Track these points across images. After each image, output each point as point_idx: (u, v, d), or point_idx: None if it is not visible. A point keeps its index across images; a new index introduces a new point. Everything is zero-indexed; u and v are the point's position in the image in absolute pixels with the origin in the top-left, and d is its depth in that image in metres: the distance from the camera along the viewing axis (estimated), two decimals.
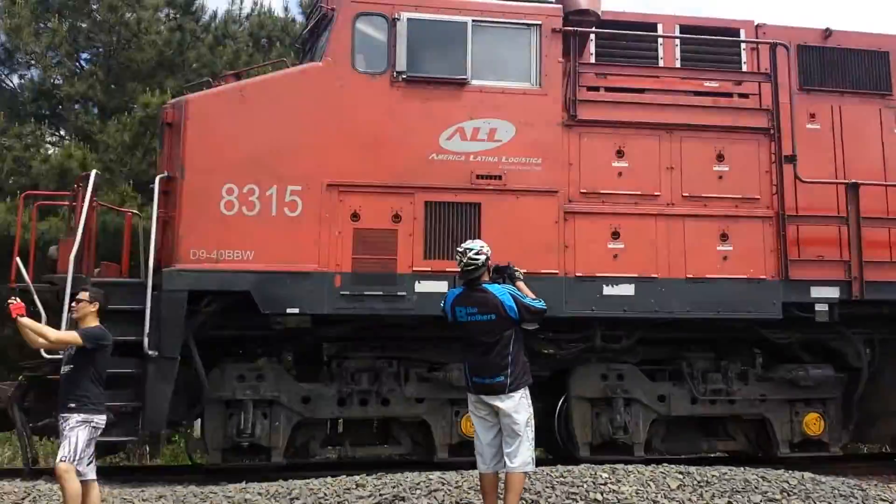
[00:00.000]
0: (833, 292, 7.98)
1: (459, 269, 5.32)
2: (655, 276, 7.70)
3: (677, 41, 8.60)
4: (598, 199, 7.76)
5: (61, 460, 5.12)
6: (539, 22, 7.86)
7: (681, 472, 6.38)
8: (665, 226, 7.81)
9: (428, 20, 7.69)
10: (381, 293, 7.30)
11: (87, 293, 5.58)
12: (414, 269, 7.39)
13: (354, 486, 6.15)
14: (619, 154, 7.86)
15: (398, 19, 7.61)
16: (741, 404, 8.31)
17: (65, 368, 5.43)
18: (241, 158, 7.29)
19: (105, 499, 5.81)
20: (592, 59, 8.43)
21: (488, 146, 7.64)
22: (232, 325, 7.66)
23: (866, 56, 8.97)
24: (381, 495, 5.89)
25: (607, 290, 7.62)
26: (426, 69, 7.64)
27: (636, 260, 7.71)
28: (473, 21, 7.76)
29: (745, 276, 7.82)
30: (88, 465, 5.30)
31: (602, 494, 5.90)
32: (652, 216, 7.81)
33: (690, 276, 7.74)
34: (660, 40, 8.58)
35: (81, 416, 5.24)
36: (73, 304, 5.61)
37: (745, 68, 8.68)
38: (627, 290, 7.65)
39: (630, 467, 6.49)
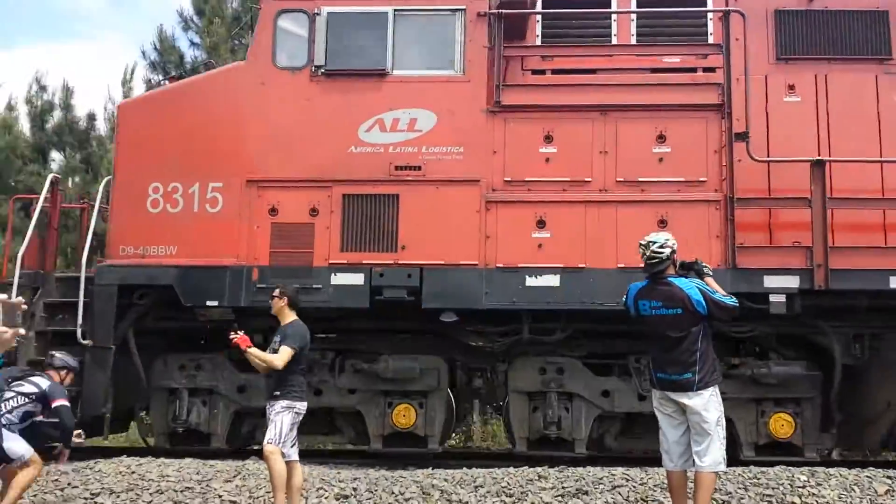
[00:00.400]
0: (791, 281, 7.30)
1: (643, 263, 5.31)
2: (583, 265, 7.38)
3: (633, 16, 8.18)
4: (523, 186, 7.54)
5: (268, 442, 5.59)
6: (463, 6, 7.74)
7: (889, 477, 6.17)
8: (596, 213, 7.47)
9: (348, 12, 7.79)
10: (296, 286, 7.47)
11: (278, 289, 6.05)
12: (330, 261, 7.51)
13: (537, 478, 6.41)
14: (548, 139, 7.59)
15: (318, 14, 7.75)
16: None
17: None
18: (167, 158, 7.71)
19: (306, 478, 6.28)
20: (538, 42, 8.21)
21: (408, 136, 7.63)
22: (179, 318, 8.11)
23: (860, 17, 8.15)
24: (563, 488, 6.14)
25: (530, 282, 7.39)
26: (345, 62, 7.74)
27: (563, 249, 7.42)
28: (395, 10, 7.76)
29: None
30: (292, 447, 5.74)
31: (801, 498, 5.83)
32: (582, 203, 7.49)
33: (622, 265, 7.34)
34: (613, 16, 8.20)
35: (286, 403, 5.68)
36: (270, 300, 6.10)
37: (711, 40, 8.12)
38: (552, 280, 7.39)
39: (832, 470, 6.36)
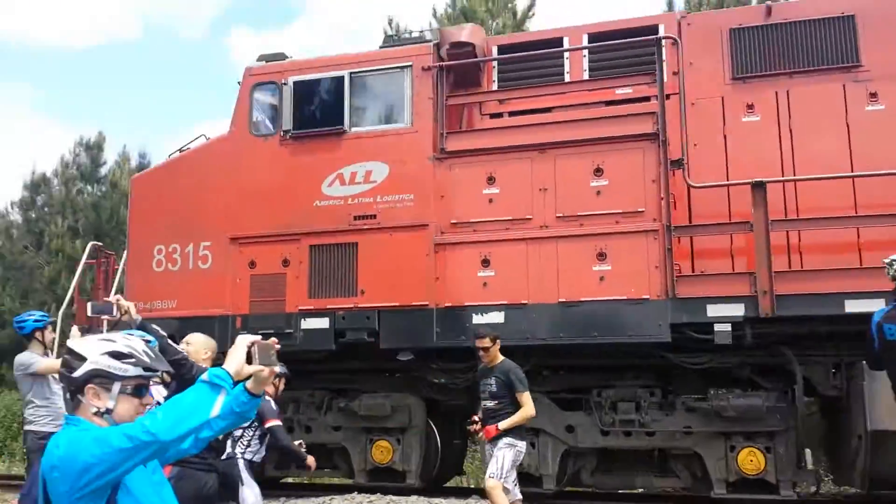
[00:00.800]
0: (736, 310, 7.18)
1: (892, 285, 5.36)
2: (526, 301, 7.68)
3: (585, 52, 8.42)
4: (468, 228, 7.99)
5: (490, 476, 5.97)
6: (409, 63, 8.36)
7: None
8: (537, 249, 7.75)
9: (310, 79, 8.66)
10: (272, 331, 8.35)
11: (488, 338, 6.45)
12: (300, 307, 8.34)
13: None
14: (490, 181, 7.99)
15: (286, 83, 8.69)
16: (664, 437, 7.77)
17: (488, 403, 6.37)
18: (167, 223, 8.93)
19: None
20: (496, 86, 8.66)
21: (364, 188, 8.33)
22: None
23: (824, 24, 7.92)
24: None
25: (476, 319, 7.79)
26: (309, 125, 8.60)
27: (506, 287, 7.77)
28: (351, 73, 8.53)
29: (625, 297, 7.41)
30: (515, 486, 6.17)
31: None
32: (523, 241, 7.80)
33: (563, 299, 7.57)
34: (566, 55, 8.48)
35: (509, 440, 6.09)
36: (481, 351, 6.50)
37: (665, 68, 8.17)
38: (497, 317, 7.74)
39: None
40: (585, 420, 7.98)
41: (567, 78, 8.46)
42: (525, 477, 7.99)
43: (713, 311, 7.24)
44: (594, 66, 8.42)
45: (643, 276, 7.41)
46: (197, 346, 5.13)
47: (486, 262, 7.88)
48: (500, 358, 6.47)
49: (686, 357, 7.57)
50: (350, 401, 8.64)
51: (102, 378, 2.42)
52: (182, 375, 4.40)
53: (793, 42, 7.94)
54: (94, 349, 2.45)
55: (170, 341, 4.54)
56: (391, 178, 8.27)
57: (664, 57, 8.17)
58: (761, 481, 7.45)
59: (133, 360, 2.46)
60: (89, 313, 4.33)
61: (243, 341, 2.51)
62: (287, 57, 8.98)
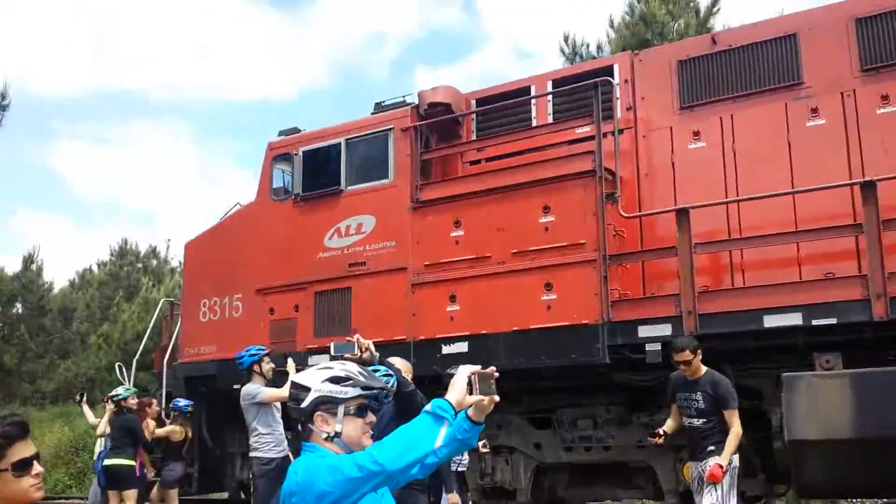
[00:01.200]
0: (664, 330, 7.63)
1: None
2: (485, 332, 8.53)
3: (549, 97, 9.29)
4: (439, 268, 8.98)
5: None
6: (391, 126, 9.61)
7: None
8: (495, 284, 8.60)
9: (315, 148, 10.13)
10: (283, 369, 9.74)
11: (687, 350, 6.29)
12: (308, 346, 9.66)
13: None
14: (457, 224, 8.98)
15: (297, 154, 10.22)
16: (620, 451, 8.24)
17: (695, 421, 6.31)
18: (210, 280, 10.67)
19: None
20: (474, 135, 9.71)
21: (356, 238, 9.60)
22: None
23: (767, 46, 8.35)
24: None
25: (445, 350, 8.72)
26: (314, 187, 10.03)
27: (470, 319, 8.66)
28: (346, 140, 9.91)
29: (568, 323, 8.07)
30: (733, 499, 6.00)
31: None
32: (484, 277, 8.69)
33: (516, 328, 8.34)
34: (533, 101, 9.39)
35: (718, 460, 5.90)
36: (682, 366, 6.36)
37: (619, 105, 8.86)
38: (462, 347, 8.64)
39: None
40: (551, 437, 8.60)
41: (534, 122, 9.32)
42: (499, 491, 8.73)
43: (644, 331, 7.73)
44: (557, 109, 9.23)
45: (583, 302, 8.05)
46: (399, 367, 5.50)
47: (452, 298, 8.83)
48: (704, 369, 6.21)
49: (638, 375, 8.04)
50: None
51: (327, 404, 2.58)
52: (406, 405, 4.82)
53: (737, 67, 8.36)
54: (315, 378, 2.62)
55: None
56: (377, 227, 9.48)
57: (618, 95, 8.86)
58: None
59: (351, 381, 2.61)
60: (332, 353, 5.06)
61: (464, 372, 2.55)
62: (300, 130, 10.53)
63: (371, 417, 2.64)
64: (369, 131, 9.81)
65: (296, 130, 10.57)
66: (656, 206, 8.37)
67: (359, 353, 5.08)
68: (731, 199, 7.81)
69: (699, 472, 6.16)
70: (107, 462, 9.47)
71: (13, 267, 28.91)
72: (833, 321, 6.95)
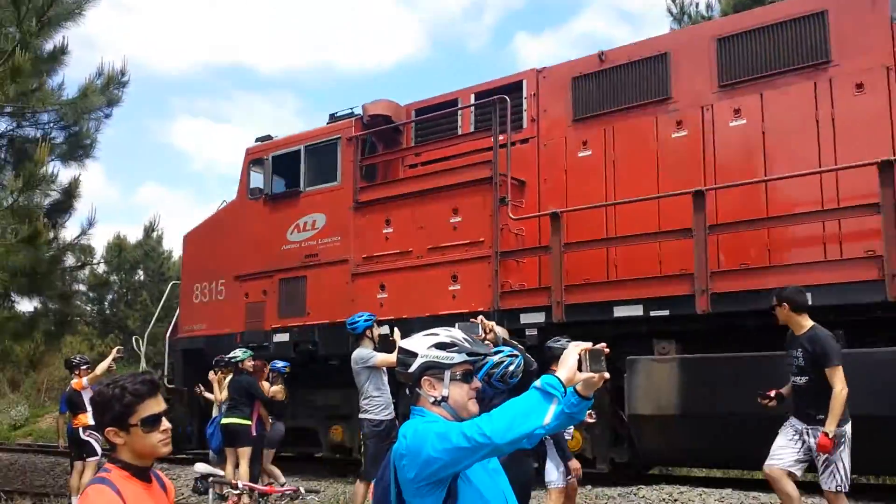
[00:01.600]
0: (539, 317, 8.96)
1: None
2: (406, 316, 10.03)
3: (473, 109, 10.61)
4: (372, 261, 10.54)
5: (838, 489, 5.32)
6: (339, 136, 11.14)
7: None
8: (414, 275, 10.10)
9: (281, 154, 11.78)
10: (255, 345, 11.53)
11: (774, 297, 5.85)
12: (273, 326, 11.41)
13: None
14: (388, 222, 10.49)
15: (267, 159, 11.89)
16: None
17: (797, 380, 5.68)
18: (202, 267, 12.54)
19: None
20: (413, 143, 11.14)
21: (311, 233, 11.24)
22: None
23: (644, 64, 9.40)
24: None
25: (376, 332, 10.27)
26: (279, 188, 11.69)
27: (395, 305, 10.20)
28: (305, 147, 11.51)
29: (468, 310, 9.48)
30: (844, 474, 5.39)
31: None
32: (406, 269, 10.19)
33: (429, 313, 9.82)
34: (459, 112, 10.73)
35: (838, 430, 5.28)
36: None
37: (525, 116, 10.12)
38: (386, 330, 10.17)
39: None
40: None
41: (460, 131, 10.66)
42: None
43: (524, 318, 9.09)
44: (478, 119, 10.52)
45: (480, 292, 9.46)
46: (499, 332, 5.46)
47: (382, 287, 10.38)
48: (808, 325, 5.70)
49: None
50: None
51: (434, 369, 2.61)
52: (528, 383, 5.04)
53: (619, 83, 9.46)
54: (422, 344, 2.65)
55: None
56: (327, 224, 11.08)
57: (525, 107, 10.10)
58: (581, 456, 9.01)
59: (457, 348, 2.63)
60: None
61: (575, 349, 2.52)
62: (272, 138, 12.18)
63: (476, 383, 2.68)
64: (323, 140, 11.38)
65: (268, 138, 12.24)
66: (552, 209, 9.61)
67: (483, 335, 5.16)
68: (599, 205, 9.00)
69: (808, 442, 5.56)
70: (224, 420, 9.72)
71: (137, 236, 31.01)
72: (666, 313, 8.14)
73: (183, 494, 9.85)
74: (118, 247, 25.77)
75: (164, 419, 2.56)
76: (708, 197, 8.21)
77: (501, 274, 9.38)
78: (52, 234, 10.90)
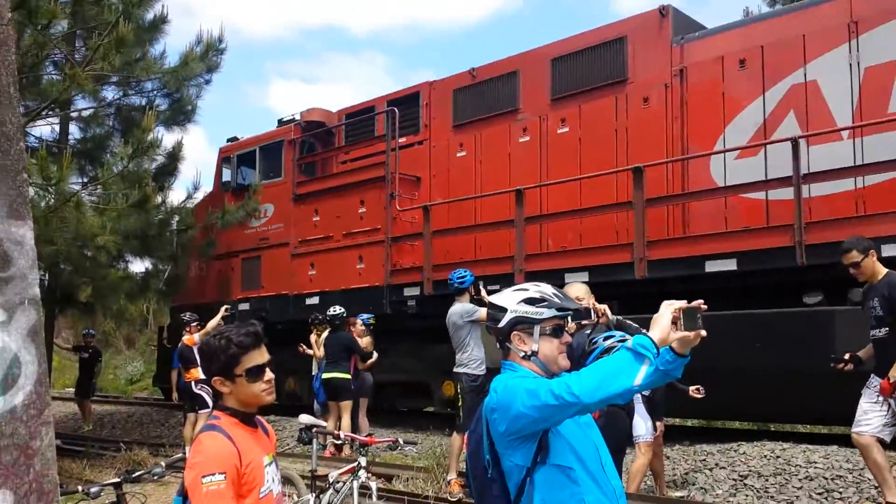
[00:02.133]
0: (416, 291, 11.28)
1: None
2: (328, 289, 12.52)
3: (387, 114, 12.86)
4: (305, 244, 13.05)
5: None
6: (283, 138, 13.59)
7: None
8: (334, 256, 12.57)
9: (243, 153, 14.35)
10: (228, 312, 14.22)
11: (854, 249, 5.56)
12: (237, 297, 14.11)
13: None
14: (316, 212, 12.94)
15: (233, 157, 14.48)
16: (412, 372, 12.09)
17: (876, 332, 5.52)
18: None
19: None
20: (344, 143, 13.50)
21: (264, 220, 13.84)
22: None
23: (501, 81, 11.43)
24: None
25: (308, 301, 12.84)
26: (242, 182, 14.27)
27: (320, 280, 12.71)
28: (259, 147, 14.02)
29: (369, 285, 11.89)
30: None
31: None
32: (328, 251, 12.66)
33: (343, 287, 12.27)
34: (375, 117, 13.00)
35: None
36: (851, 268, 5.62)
37: (421, 122, 12.32)
38: (315, 300, 12.71)
39: None
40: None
41: (376, 134, 12.92)
42: None
43: (407, 292, 11.43)
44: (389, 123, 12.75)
45: (377, 271, 11.83)
46: (580, 292, 5.45)
47: (312, 265, 12.88)
48: (883, 271, 5.48)
49: (416, 322, 11.69)
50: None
51: (523, 324, 2.62)
52: None
53: (486, 96, 11.52)
54: (511, 299, 2.66)
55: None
56: (275, 213, 13.63)
57: (421, 114, 12.28)
58: None
59: (546, 303, 2.63)
60: (571, 321, 4.50)
61: (668, 308, 2.44)
62: (238, 139, 14.72)
63: (567, 338, 2.68)
64: (272, 141, 13.87)
65: (235, 139, 14.78)
66: (440, 199, 11.82)
67: (596, 319, 5.19)
68: (464, 198, 11.16)
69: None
70: (326, 375, 10.22)
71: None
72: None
73: (288, 445, 10.37)
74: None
75: (267, 370, 2.65)
76: (531, 193, 10.32)
77: (396, 255, 11.73)
78: (159, 199, 11.51)
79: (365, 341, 10.49)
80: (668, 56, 9.70)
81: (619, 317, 5.41)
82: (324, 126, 13.43)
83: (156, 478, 4.29)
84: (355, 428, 9.81)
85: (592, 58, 10.37)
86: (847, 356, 5.75)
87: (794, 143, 7.92)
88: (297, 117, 13.78)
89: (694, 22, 10.16)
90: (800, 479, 6.36)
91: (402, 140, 12.43)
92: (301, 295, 13.01)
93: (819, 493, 6.44)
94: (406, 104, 12.42)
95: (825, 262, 7.50)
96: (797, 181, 7.88)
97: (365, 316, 10.91)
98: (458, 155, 11.78)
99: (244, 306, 14.01)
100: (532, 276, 9.99)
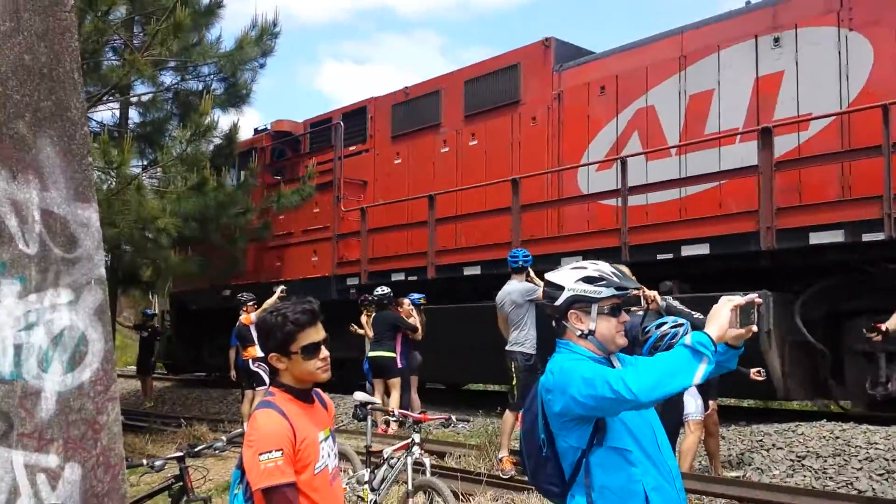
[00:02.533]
0: (356, 280, 13.32)
1: None
2: (290, 278, 14.63)
3: (342, 124, 14.87)
4: (276, 239, 15.13)
5: None
6: (257, 145, 15.69)
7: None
8: (294, 250, 14.70)
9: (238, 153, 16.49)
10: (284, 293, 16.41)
11: None
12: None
13: None
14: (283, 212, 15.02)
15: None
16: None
17: None
18: None
19: None
20: (308, 150, 15.55)
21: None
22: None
23: (425, 100, 13.32)
24: None
25: (275, 289, 14.96)
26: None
27: (287, 271, 14.88)
28: (238, 153, 16.14)
29: (320, 275, 13.97)
30: None
31: None
32: (291, 245, 14.80)
33: (301, 277, 14.37)
34: (332, 128, 15.01)
35: None
36: None
37: (367, 132, 14.30)
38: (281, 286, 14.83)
39: None
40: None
41: (332, 142, 14.93)
42: None
43: (349, 281, 13.46)
44: (346, 135, 14.71)
45: (327, 263, 13.89)
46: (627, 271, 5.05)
47: (280, 258, 15.00)
48: None
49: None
50: None
51: (581, 303, 2.61)
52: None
53: (416, 111, 13.41)
54: (569, 277, 2.63)
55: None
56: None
57: (367, 126, 14.25)
58: None
59: (605, 282, 2.60)
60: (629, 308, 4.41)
61: (727, 304, 2.46)
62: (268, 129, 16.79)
63: (625, 317, 2.65)
64: (246, 148, 15.96)
65: (265, 129, 16.81)
66: (381, 201, 13.78)
67: (646, 305, 5.21)
68: (392, 201, 13.11)
69: None
70: (371, 354, 10.46)
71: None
72: (415, 278, 12.26)
73: (342, 421, 10.43)
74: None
75: (323, 347, 2.66)
76: (448, 197, 12.22)
77: (344, 249, 13.78)
78: (215, 182, 11.60)
79: (413, 320, 10.64)
80: (550, 81, 11.47)
81: (668, 299, 5.52)
82: (289, 135, 15.50)
83: (217, 452, 4.60)
84: (406, 405, 10.03)
85: (495, 81, 12.18)
86: (883, 327, 5.77)
87: (623, 161, 9.69)
88: (269, 127, 15.89)
89: (580, 49, 11.87)
90: (859, 461, 6.28)
91: (353, 148, 14.42)
92: (269, 282, 15.15)
93: (880, 475, 6.28)
94: (356, 116, 14.40)
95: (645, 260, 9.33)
96: (624, 192, 9.66)
97: (415, 296, 10.98)
98: (395, 162, 13.72)
99: (227, 292, 16.22)
100: (442, 270, 11.97)
